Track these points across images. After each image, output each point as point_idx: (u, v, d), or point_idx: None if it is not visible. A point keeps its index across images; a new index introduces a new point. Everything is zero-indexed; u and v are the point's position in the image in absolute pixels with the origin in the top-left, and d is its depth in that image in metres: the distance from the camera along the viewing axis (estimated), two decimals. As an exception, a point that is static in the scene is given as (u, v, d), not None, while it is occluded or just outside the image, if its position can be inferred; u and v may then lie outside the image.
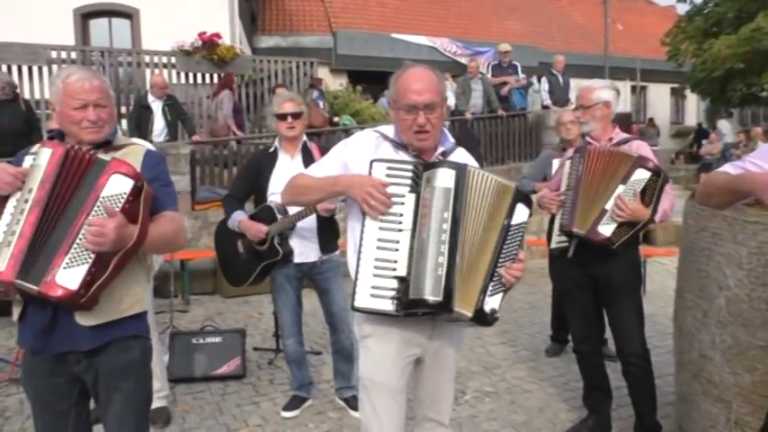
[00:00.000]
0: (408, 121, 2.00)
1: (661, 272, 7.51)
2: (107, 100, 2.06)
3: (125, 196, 1.86)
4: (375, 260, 1.89)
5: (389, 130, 2.13)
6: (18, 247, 1.81)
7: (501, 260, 1.92)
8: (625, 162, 2.89)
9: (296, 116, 3.46)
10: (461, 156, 2.17)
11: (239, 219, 3.47)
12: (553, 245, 3.28)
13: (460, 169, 1.89)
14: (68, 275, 1.80)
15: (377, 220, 1.90)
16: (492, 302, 1.93)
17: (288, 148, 3.51)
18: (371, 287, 1.88)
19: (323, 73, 11.96)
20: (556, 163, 4.28)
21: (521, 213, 1.95)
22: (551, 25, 20.49)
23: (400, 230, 1.89)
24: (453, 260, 1.84)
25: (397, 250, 1.88)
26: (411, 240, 1.88)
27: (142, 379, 2.10)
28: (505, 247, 1.93)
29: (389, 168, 1.93)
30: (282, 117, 3.47)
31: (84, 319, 1.93)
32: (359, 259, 1.90)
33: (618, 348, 3.17)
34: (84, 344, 1.96)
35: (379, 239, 1.89)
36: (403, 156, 2.05)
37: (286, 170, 3.30)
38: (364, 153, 2.05)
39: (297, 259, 3.48)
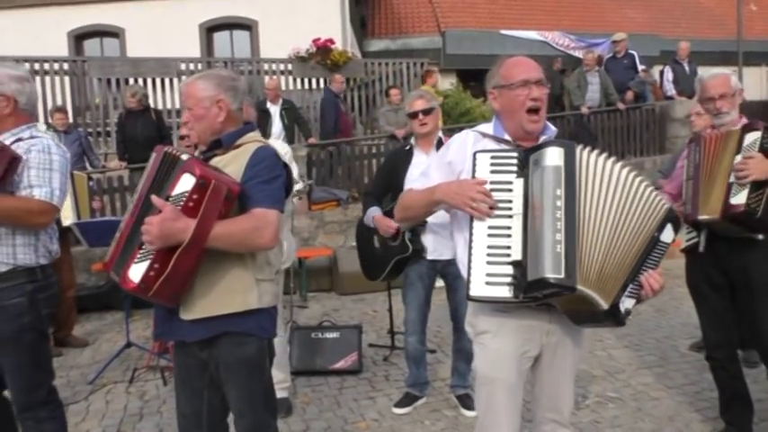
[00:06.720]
0: (522, 96, 1.98)
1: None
2: (193, 102, 2.09)
3: (187, 194, 1.87)
4: (487, 248, 1.84)
5: (488, 128, 2.12)
6: (118, 242, 1.99)
7: (644, 268, 1.89)
8: (733, 136, 2.77)
9: (426, 113, 3.48)
10: None
11: (373, 215, 3.57)
12: (683, 244, 3.06)
13: (568, 146, 1.85)
14: (135, 270, 1.90)
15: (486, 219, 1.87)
16: (627, 303, 1.87)
17: (422, 145, 3.53)
18: (486, 275, 1.83)
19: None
20: None
21: (668, 234, 1.90)
22: (675, 11, 19.15)
23: (510, 216, 1.85)
24: (572, 238, 1.77)
25: (509, 236, 1.84)
26: (524, 224, 1.83)
27: (257, 375, 2.14)
28: (650, 258, 1.89)
29: (494, 157, 1.91)
30: (414, 115, 3.50)
31: (183, 314, 2.04)
32: (470, 248, 1.87)
33: (761, 351, 2.91)
34: (190, 335, 2.07)
35: (489, 227, 1.86)
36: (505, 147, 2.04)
37: (421, 167, 3.31)
38: (466, 150, 2.04)
39: (430, 256, 3.48)
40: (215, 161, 2.07)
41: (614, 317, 1.85)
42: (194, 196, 1.87)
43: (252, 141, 2.14)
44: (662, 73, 10.19)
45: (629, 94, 9.83)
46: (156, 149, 2.04)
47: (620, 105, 9.52)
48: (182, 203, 1.87)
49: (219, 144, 2.12)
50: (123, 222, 2.02)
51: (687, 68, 9.62)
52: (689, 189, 2.88)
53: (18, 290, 2.37)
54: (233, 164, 2.05)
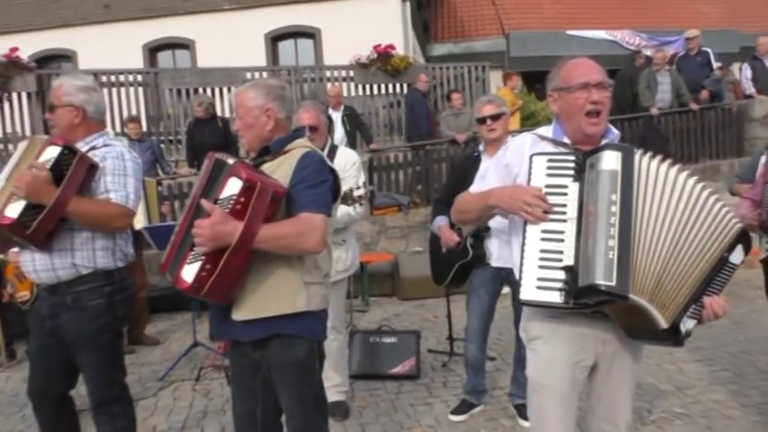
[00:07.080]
0: (581, 99, 1.93)
1: None
2: (243, 111, 2.18)
3: (234, 197, 1.93)
4: (540, 251, 1.83)
5: (547, 130, 2.09)
6: (173, 244, 2.08)
7: (710, 289, 1.82)
8: None
9: (495, 118, 3.44)
10: None
11: (439, 224, 3.58)
12: (763, 254, 2.89)
13: (626, 150, 1.80)
14: (188, 271, 1.97)
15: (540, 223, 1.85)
16: (688, 324, 1.81)
17: (491, 151, 3.47)
18: (537, 279, 1.81)
19: (495, 76, 11.77)
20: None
21: (738, 255, 1.83)
22: (754, 4, 18.16)
23: (565, 221, 1.82)
24: (626, 245, 1.71)
25: (562, 241, 1.81)
26: (577, 229, 1.79)
27: (308, 378, 2.18)
28: (717, 279, 1.82)
29: (550, 161, 1.89)
30: (482, 120, 3.48)
31: (235, 314, 2.10)
32: (523, 251, 1.85)
33: None
34: (242, 335, 2.13)
35: (543, 231, 1.84)
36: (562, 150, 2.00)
37: None
38: (523, 152, 2.02)
39: (495, 263, 3.44)
40: (264, 167, 2.14)
41: (674, 337, 1.79)
42: (241, 199, 1.93)
43: (299, 147, 2.19)
44: (740, 70, 9.69)
45: (705, 93, 9.39)
46: (209, 156, 2.13)
47: (693, 105, 9.10)
48: (230, 206, 1.94)
49: (268, 151, 2.19)
50: (177, 226, 2.11)
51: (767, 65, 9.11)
52: (765, 194, 2.73)
53: (97, 292, 2.49)
54: (281, 169, 2.11)
